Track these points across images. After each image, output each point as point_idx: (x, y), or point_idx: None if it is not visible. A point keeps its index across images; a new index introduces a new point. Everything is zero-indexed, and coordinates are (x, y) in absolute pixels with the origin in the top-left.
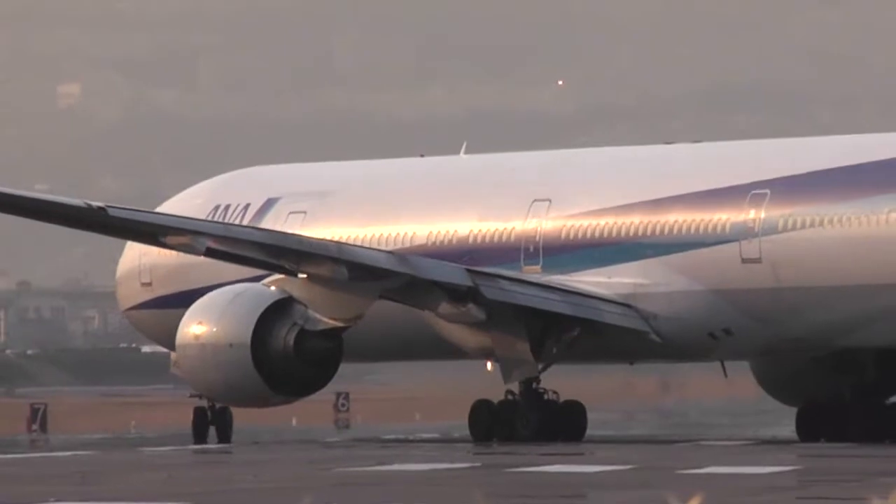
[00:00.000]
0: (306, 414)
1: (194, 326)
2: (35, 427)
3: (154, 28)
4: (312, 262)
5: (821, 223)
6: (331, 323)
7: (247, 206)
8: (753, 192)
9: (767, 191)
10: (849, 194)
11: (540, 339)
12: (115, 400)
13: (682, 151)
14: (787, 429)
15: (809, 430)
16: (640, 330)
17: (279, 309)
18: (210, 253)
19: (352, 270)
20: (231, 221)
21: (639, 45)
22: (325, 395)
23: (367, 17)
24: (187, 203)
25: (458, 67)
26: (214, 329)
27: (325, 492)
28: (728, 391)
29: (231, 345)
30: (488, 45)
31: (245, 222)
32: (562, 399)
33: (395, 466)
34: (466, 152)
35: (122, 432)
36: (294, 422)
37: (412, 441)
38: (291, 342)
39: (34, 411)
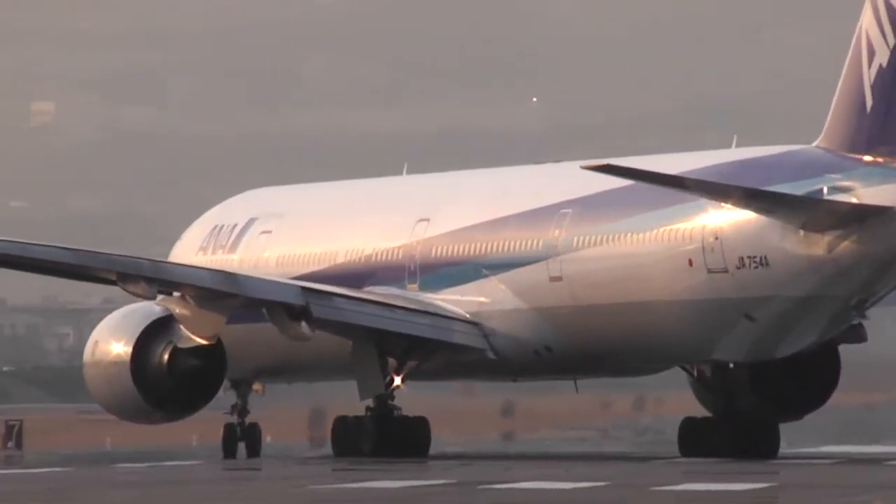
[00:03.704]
0: (280, 430)
1: (92, 343)
2: (10, 444)
3: (127, 46)
4: (129, 281)
5: (602, 241)
6: (196, 340)
7: (234, 226)
8: (561, 211)
9: (570, 210)
10: (627, 212)
11: (401, 357)
12: (90, 416)
13: (536, 171)
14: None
15: (685, 443)
16: (480, 348)
17: (161, 327)
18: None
19: (172, 288)
20: (220, 241)
21: (610, 64)
22: (300, 410)
23: (338, 36)
24: (198, 226)
25: (430, 86)
26: (104, 346)
27: None
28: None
29: (115, 362)
30: (460, 64)
31: (230, 241)
32: (408, 416)
33: (371, 484)
34: (409, 172)
35: (98, 449)
36: (268, 439)
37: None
38: (165, 360)
39: (9, 428)
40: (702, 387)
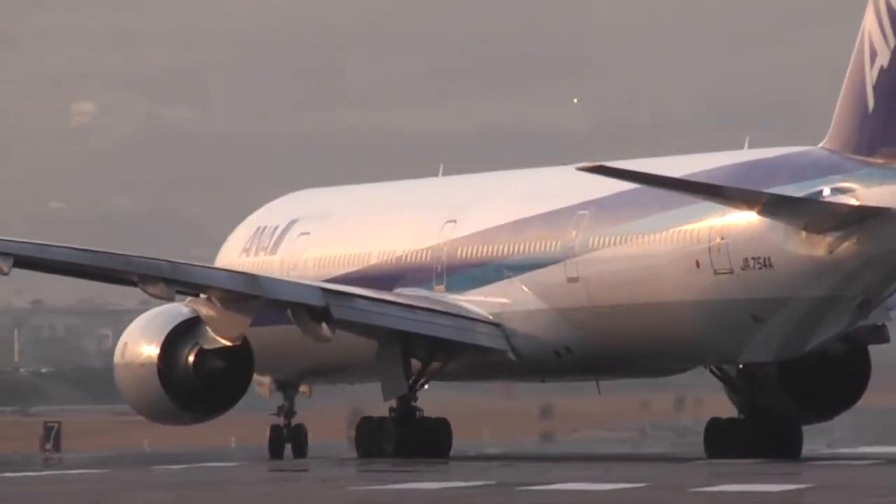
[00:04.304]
0: (320, 430)
1: (122, 345)
2: (49, 446)
3: (167, 46)
4: (149, 282)
5: (616, 242)
6: (221, 342)
7: (276, 228)
8: (578, 212)
9: (587, 211)
10: (641, 213)
11: (425, 358)
12: (128, 418)
13: (560, 172)
14: (805, 447)
15: (711, 443)
16: (501, 349)
17: (188, 328)
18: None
19: (194, 290)
20: (262, 242)
21: (653, 64)
22: (339, 411)
23: (379, 35)
24: (243, 228)
25: (472, 85)
26: (133, 348)
27: None
28: None
29: (143, 364)
30: (503, 63)
31: (271, 243)
32: (430, 417)
33: (410, 485)
34: (444, 174)
35: (136, 450)
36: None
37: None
38: (191, 361)
39: (48, 430)
40: (728, 387)
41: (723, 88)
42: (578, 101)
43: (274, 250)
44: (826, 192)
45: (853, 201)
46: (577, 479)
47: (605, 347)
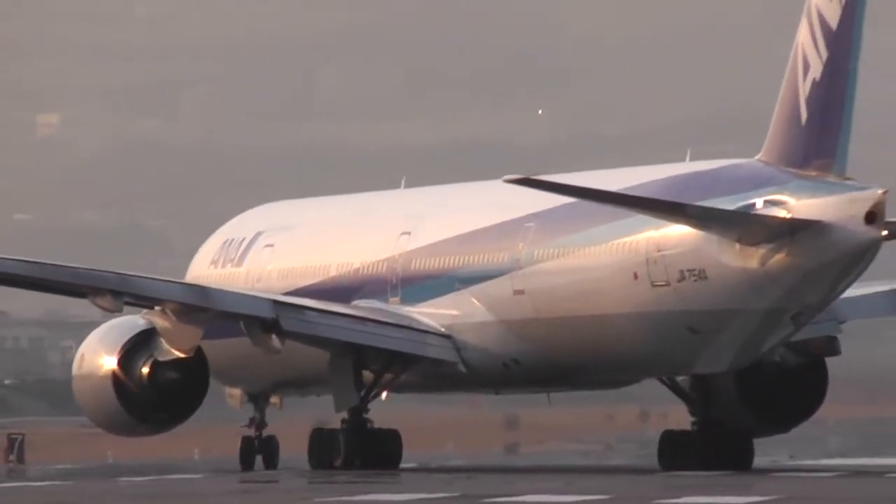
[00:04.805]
0: (291, 442)
1: (79, 356)
2: (12, 457)
3: (137, 58)
4: (97, 294)
5: (559, 255)
6: (175, 353)
7: (243, 240)
8: (525, 224)
9: (533, 224)
10: (583, 225)
11: (377, 370)
12: (92, 430)
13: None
14: (768, 458)
15: (665, 455)
16: (452, 361)
17: (145, 340)
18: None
19: (143, 302)
20: (229, 255)
21: (625, 75)
22: (310, 422)
23: (349, 48)
24: (212, 240)
25: (441, 97)
26: (90, 359)
27: None
28: None
29: (100, 375)
30: (471, 75)
31: (238, 255)
32: (381, 428)
33: (376, 496)
34: (406, 186)
35: (100, 462)
36: None
37: (391, 471)
38: (146, 373)
39: (11, 441)
40: (682, 399)
41: (705, 98)
42: (543, 111)
43: (240, 262)
44: (759, 204)
45: (785, 214)
46: (541, 492)
47: (553, 359)
